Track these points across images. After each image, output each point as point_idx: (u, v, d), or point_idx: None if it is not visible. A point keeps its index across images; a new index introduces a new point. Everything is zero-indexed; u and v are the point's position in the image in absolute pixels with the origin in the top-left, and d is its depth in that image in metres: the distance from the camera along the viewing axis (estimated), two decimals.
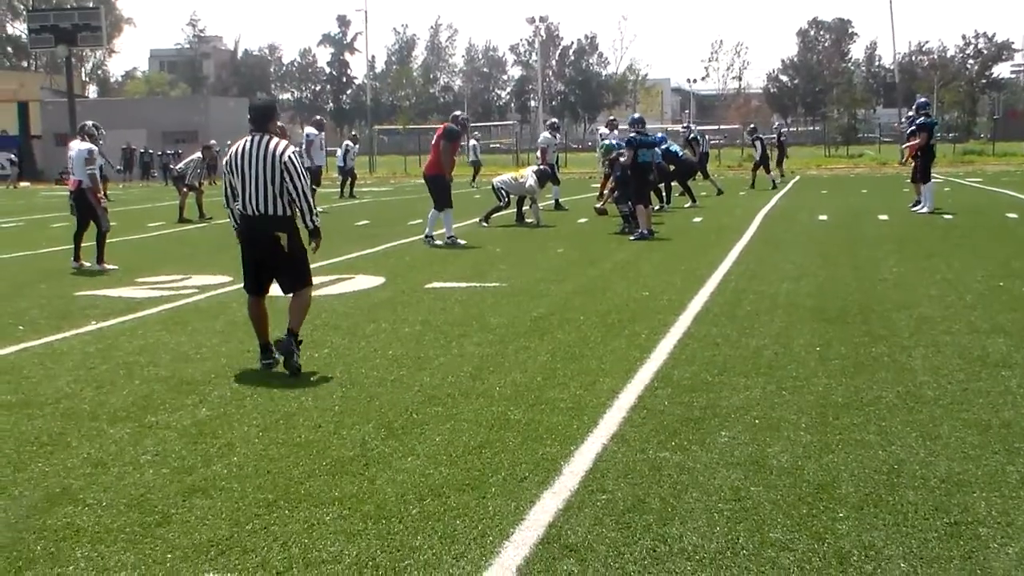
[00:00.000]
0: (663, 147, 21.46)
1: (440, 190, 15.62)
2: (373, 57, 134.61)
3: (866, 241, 14.58)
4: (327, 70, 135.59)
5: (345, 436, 5.45)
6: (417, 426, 5.61)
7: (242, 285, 7.56)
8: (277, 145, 7.08)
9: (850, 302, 9.19)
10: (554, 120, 26.22)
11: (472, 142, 41.10)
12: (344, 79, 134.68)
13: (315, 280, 7.83)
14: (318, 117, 26.81)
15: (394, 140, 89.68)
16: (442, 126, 16.20)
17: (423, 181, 16.34)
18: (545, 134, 23.76)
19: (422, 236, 15.73)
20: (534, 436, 5.35)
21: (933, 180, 19.96)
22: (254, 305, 7.30)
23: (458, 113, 17.38)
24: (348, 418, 5.81)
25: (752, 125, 35.99)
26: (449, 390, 6.39)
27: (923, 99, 21.50)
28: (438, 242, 15.35)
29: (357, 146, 33.96)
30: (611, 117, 28.38)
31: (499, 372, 6.85)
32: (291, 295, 7.28)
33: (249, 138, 7.15)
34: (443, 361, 7.26)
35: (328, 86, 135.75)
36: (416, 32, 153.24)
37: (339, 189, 31.54)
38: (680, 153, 22.86)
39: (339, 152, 33.10)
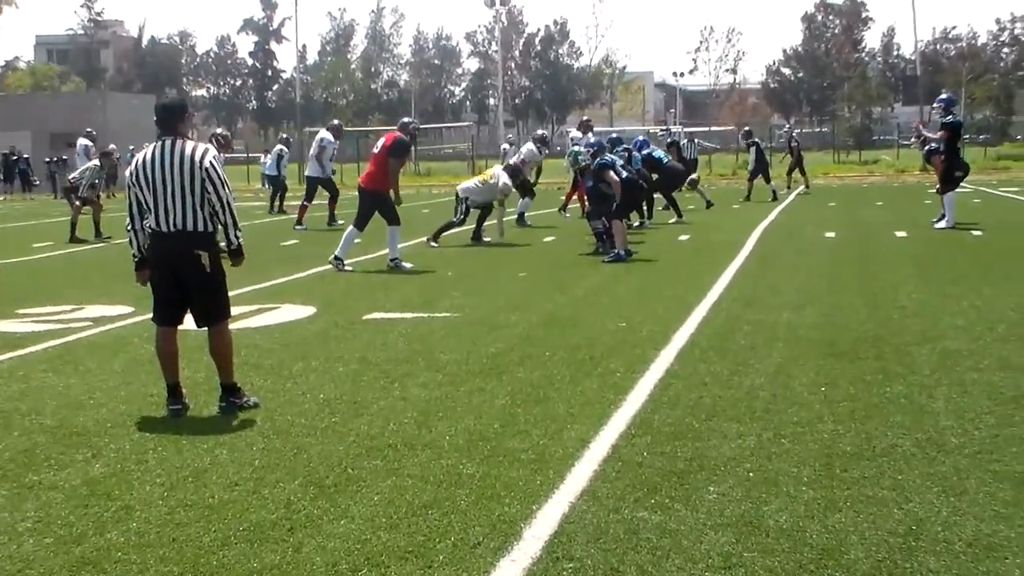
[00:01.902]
0: (644, 152, 21.66)
1: (383, 207, 15.53)
2: (304, 47, 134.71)
3: (881, 262, 14.73)
4: (249, 62, 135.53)
5: (267, 496, 5.44)
6: (352, 483, 5.60)
7: (149, 316, 7.53)
8: (195, 150, 7.09)
9: (861, 334, 9.28)
10: (543, 133, 25.95)
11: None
12: (270, 72, 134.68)
13: (234, 310, 7.82)
14: (336, 122, 26.58)
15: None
16: (389, 135, 16.02)
17: (357, 194, 16.24)
18: (530, 147, 23.24)
19: (388, 261, 15.57)
20: (490, 494, 5.36)
21: (960, 190, 20.16)
22: (164, 339, 7.28)
23: (409, 120, 17.26)
24: (270, 474, 5.79)
25: (747, 128, 36.38)
26: (390, 440, 6.39)
27: (948, 94, 21.71)
28: (406, 264, 15.36)
29: (288, 151, 33.88)
30: (585, 117, 28.42)
31: (449, 418, 6.85)
32: (210, 338, 7.29)
33: (159, 143, 7.14)
34: (383, 406, 7.25)
35: (251, 80, 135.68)
36: (355, 17, 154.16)
37: (268, 203, 31.48)
38: (665, 159, 23.02)
39: (268, 159, 33.01)
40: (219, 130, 22.67)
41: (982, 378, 7.51)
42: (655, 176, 21.68)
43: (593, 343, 9.22)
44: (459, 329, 10.14)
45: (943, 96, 21.24)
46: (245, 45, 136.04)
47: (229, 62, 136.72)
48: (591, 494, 5.31)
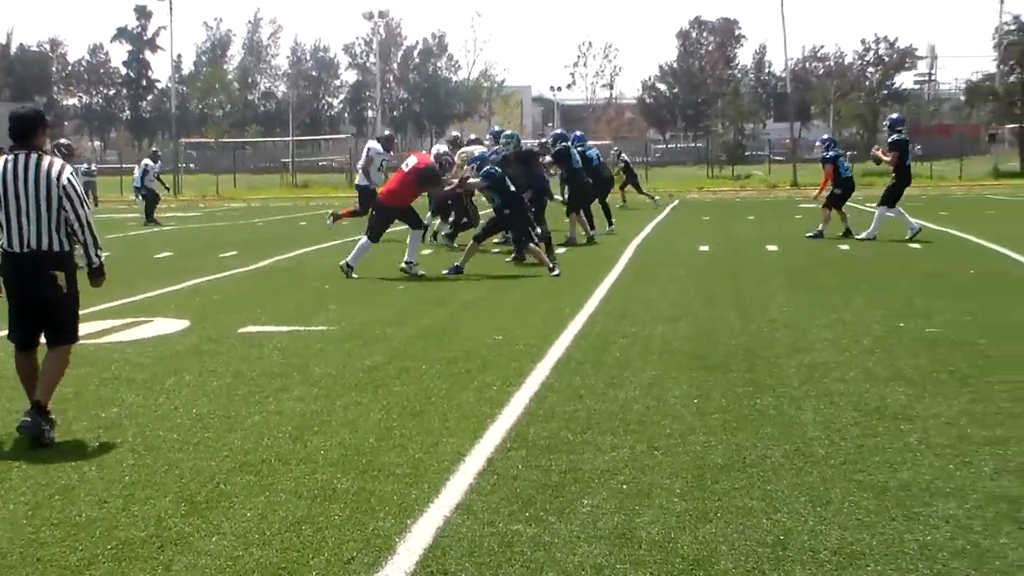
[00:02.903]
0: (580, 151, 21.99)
1: (404, 216, 15.75)
2: (179, 57, 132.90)
3: (753, 276, 14.97)
4: (123, 71, 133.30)
5: (136, 513, 5.34)
6: (225, 499, 5.52)
7: (5, 335, 7.33)
8: (51, 165, 6.79)
9: (734, 346, 9.41)
10: (388, 133, 25.77)
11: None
12: (144, 82, 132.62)
13: (106, 324, 7.69)
14: (388, 132, 25.96)
15: (204, 156, 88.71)
16: (421, 158, 15.99)
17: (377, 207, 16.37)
18: (373, 143, 23.43)
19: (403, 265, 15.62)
20: (364, 508, 5.32)
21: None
22: (23, 361, 7.04)
23: (445, 152, 17.17)
24: (141, 491, 5.68)
25: (615, 148, 38.24)
26: (264, 455, 6.32)
27: (895, 115, 22.70)
28: (420, 271, 15.46)
29: (159, 164, 33.55)
30: (454, 133, 28.22)
31: (324, 433, 6.80)
32: (48, 357, 6.94)
33: (11, 157, 6.80)
34: (258, 420, 7.17)
35: (124, 90, 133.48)
36: (231, 28, 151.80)
37: (143, 215, 31.17)
38: (594, 162, 23.22)
39: (136, 171, 32.66)
40: (62, 140, 22.30)
41: (848, 389, 7.67)
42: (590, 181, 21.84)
43: (470, 356, 9.22)
44: (335, 342, 10.07)
45: (891, 116, 22.12)
46: (119, 54, 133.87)
47: (102, 71, 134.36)
48: (466, 507, 5.30)
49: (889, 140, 20.79)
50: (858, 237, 20.18)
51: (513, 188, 15.93)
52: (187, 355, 9.59)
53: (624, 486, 5.58)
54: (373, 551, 4.76)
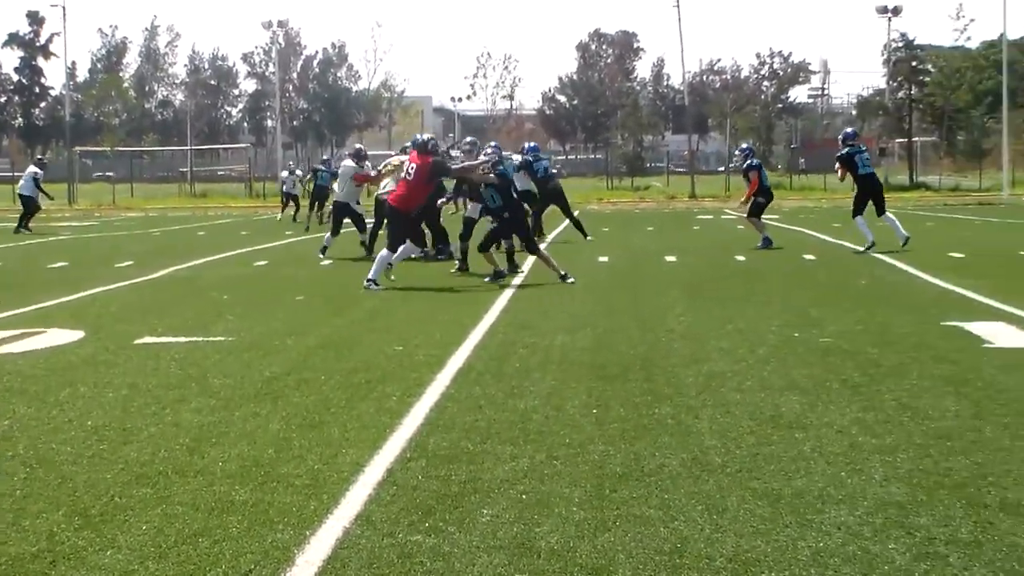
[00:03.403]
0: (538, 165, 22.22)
1: (407, 226, 15.70)
2: (74, 63, 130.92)
3: (651, 286, 15.11)
4: (15, 78, 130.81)
5: (27, 528, 5.23)
6: (120, 512, 5.44)
7: None
8: None
9: (632, 357, 9.49)
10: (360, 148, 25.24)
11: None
12: (37, 89, 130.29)
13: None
14: (358, 146, 25.00)
15: (100, 164, 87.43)
16: (422, 159, 15.73)
17: (385, 210, 16.76)
18: (347, 162, 22.62)
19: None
20: (263, 520, 5.28)
21: (727, 216, 21.24)
22: None
23: (430, 138, 16.74)
24: (33, 504, 5.58)
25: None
26: (161, 467, 6.23)
27: (846, 130, 23.09)
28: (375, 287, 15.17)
29: (42, 172, 33.16)
30: (358, 145, 27.80)
31: (222, 444, 6.73)
32: None
33: None
34: (154, 432, 7.08)
35: (16, 97, 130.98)
36: (128, 35, 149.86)
37: (18, 222, 30.97)
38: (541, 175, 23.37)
39: (22, 179, 32.34)
40: None
41: (744, 399, 7.76)
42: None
43: (370, 367, 9.19)
44: (234, 353, 9.98)
45: (845, 131, 22.70)
46: (10, 60, 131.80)
47: None
48: (365, 518, 5.28)
49: (839, 154, 21.34)
50: (859, 251, 20.53)
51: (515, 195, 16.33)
52: (82, 366, 9.44)
53: (524, 496, 5.59)
54: (271, 563, 4.73)
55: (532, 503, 5.46)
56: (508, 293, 14.35)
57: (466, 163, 16.63)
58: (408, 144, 20.72)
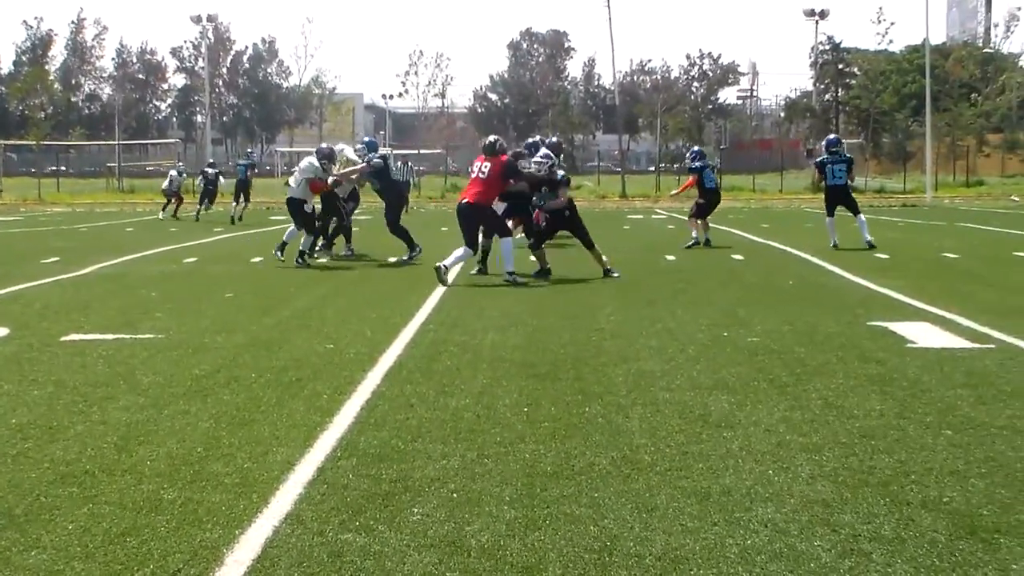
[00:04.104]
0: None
1: (488, 220, 16.49)
2: None
3: (582, 285, 15.17)
4: None
5: None
6: (46, 511, 5.37)
7: None
8: None
9: (562, 355, 9.52)
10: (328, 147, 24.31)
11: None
12: None
13: None
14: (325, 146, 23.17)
15: (25, 159, 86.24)
16: (495, 161, 16.31)
17: (457, 212, 16.64)
18: (311, 160, 21.02)
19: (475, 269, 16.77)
20: (192, 519, 5.24)
21: (657, 216, 21.52)
22: None
23: (496, 138, 17.20)
24: None
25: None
26: (88, 466, 6.16)
27: (833, 136, 24.28)
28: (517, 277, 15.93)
29: None
30: (324, 145, 26.72)
31: (151, 442, 6.67)
32: None
33: None
34: (81, 430, 7.00)
35: None
36: (53, 28, 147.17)
37: None
38: None
39: None
40: None
41: (674, 398, 7.82)
42: None
43: (300, 365, 9.15)
44: (162, 351, 9.88)
45: (828, 137, 23.71)
46: None
47: None
48: (296, 517, 5.26)
49: (814, 161, 22.92)
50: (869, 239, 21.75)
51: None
52: (6, 364, 9.30)
53: (454, 494, 5.60)
54: (200, 562, 4.69)
55: (463, 502, 5.47)
56: (439, 292, 14.33)
57: (531, 168, 17.07)
58: (359, 144, 20.87)
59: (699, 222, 23.19)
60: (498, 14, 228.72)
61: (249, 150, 54.05)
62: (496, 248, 16.65)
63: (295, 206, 19.04)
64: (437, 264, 15.40)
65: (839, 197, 22.13)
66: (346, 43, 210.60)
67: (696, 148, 25.41)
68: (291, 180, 19.68)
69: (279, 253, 18.68)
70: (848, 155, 22.52)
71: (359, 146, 20.76)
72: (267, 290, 14.76)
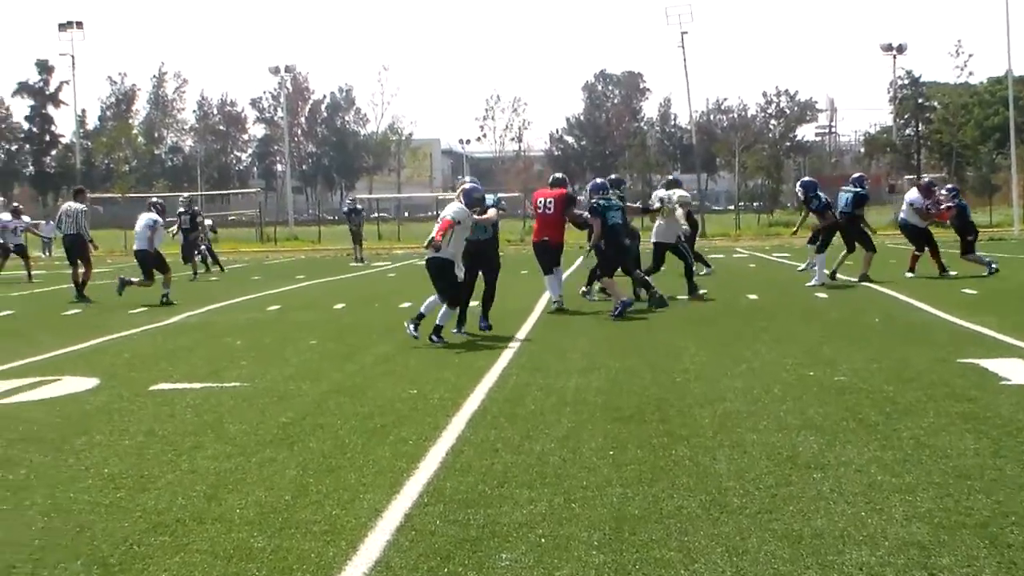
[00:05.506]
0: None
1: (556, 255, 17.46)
2: (83, 111, 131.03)
3: (663, 326, 15.09)
4: (25, 126, 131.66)
5: None
6: (139, 560, 5.44)
7: None
8: None
9: (646, 397, 9.48)
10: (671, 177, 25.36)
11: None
12: (48, 137, 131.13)
13: (11, 384, 7.56)
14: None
15: (111, 211, 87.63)
16: (556, 194, 17.37)
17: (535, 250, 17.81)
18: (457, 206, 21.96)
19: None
20: (282, 567, 5.27)
21: (737, 255, 21.36)
22: None
23: (562, 176, 18.42)
24: (51, 555, 5.57)
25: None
26: (179, 514, 6.23)
27: (859, 174, 24.85)
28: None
29: (24, 219, 33.26)
30: (469, 184, 26.73)
31: (240, 491, 6.73)
32: None
33: None
34: (171, 479, 7.08)
35: (27, 145, 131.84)
36: (136, 82, 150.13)
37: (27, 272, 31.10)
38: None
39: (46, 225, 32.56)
40: None
41: (761, 439, 7.74)
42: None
43: (384, 411, 9.19)
44: (248, 399, 9.98)
45: (856, 176, 24.00)
46: (20, 109, 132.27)
47: (3, 126, 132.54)
48: (384, 564, 5.27)
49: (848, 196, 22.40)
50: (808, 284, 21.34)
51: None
52: (97, 414, 9.45)
53: (542, 539, 5.58)
54: None
55: (551, 547, 5.45)
56: (519, 334, 14.33)
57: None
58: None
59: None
60: (573, 57, 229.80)
61: (351, 198, 54.22)
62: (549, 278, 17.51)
63: (442, 269, 14.09)
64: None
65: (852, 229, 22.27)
66: (422, 89, 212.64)
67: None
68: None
69: (413, 328, 13.76)
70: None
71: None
72: (350, 337, 14.84)
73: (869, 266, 21.92)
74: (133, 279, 21.49)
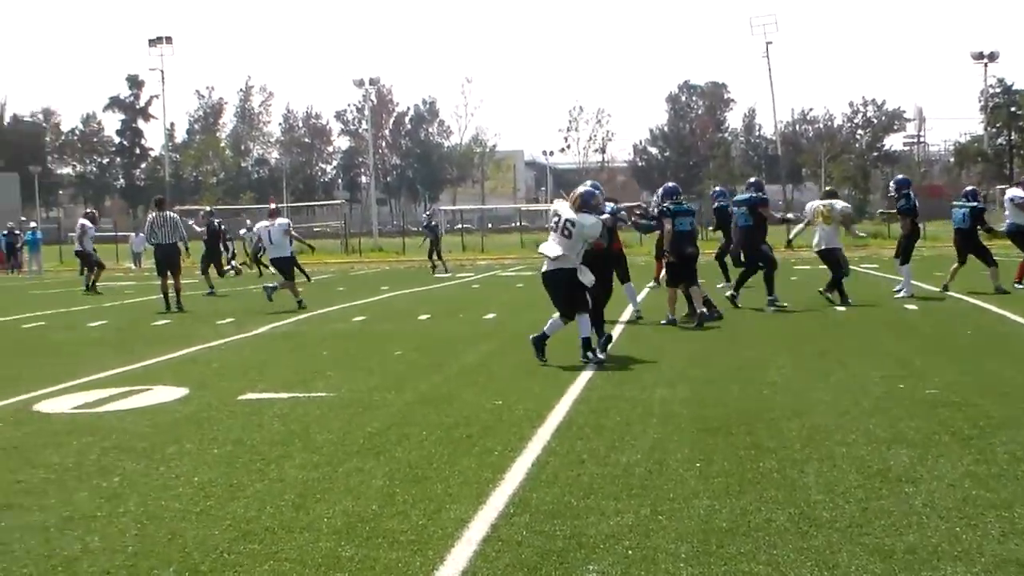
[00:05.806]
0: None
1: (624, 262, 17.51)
2: (172, 125, 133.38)
3: (750, 337, 14.98)
4: (116, 140, 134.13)
5: None
6: (229, 568, 5.50)
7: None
8: None
9: (733, 409, 9.41)
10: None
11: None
12: (138, 150, 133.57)
13: (104, 393, 7.68)
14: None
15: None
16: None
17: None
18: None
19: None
20: None
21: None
22: None
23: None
24: (144, 561, 5.65)
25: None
26: (267, 523, 6.29)
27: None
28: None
29: (94, 226, 33.07)
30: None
31: (327, 500, 6.78)
32: None
33: None
34: (260, 488, 7.15)
35: (118, 158, 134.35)
36: (223, 96, 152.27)
37: (85, 282, 31.25)
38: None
39: (75, 233, 32.57)
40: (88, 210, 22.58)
41: (850, 452, 7.65)
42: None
43: (470, 422, 9.20)
44: (335, 409, 10.05)
45: (899, 178, 23.20)
46: (111, 123, 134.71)
47: (95, 140, 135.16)
48: (471, 575, 5.27)
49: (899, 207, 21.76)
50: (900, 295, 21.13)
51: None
52: (187, 423, 9.57)
53: (629, 551, 5.55)
54: None
55: (638, 559, 5.42)
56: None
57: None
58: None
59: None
60: (656, 67, 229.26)
61: (428, 212, 54.42)
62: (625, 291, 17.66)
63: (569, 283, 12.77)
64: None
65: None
66: (505, 101, 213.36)
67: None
68: (550, 246, 12.84)
69: (540, 352, 12.81)
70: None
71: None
72: (434, 347, 14.89)
73: (997, 278, 21.34)
74: (275, 284, 22.55)
